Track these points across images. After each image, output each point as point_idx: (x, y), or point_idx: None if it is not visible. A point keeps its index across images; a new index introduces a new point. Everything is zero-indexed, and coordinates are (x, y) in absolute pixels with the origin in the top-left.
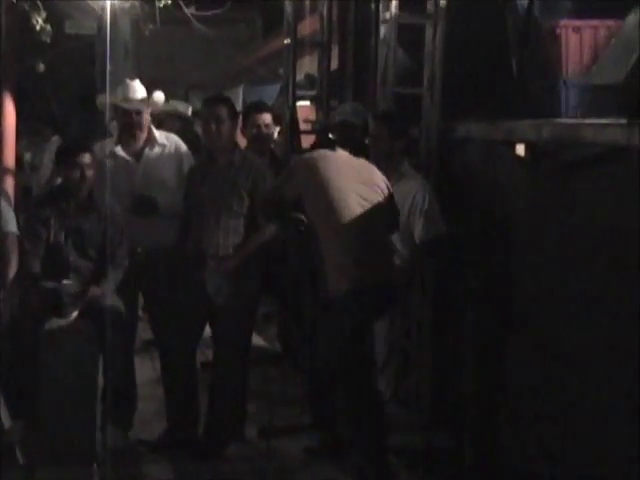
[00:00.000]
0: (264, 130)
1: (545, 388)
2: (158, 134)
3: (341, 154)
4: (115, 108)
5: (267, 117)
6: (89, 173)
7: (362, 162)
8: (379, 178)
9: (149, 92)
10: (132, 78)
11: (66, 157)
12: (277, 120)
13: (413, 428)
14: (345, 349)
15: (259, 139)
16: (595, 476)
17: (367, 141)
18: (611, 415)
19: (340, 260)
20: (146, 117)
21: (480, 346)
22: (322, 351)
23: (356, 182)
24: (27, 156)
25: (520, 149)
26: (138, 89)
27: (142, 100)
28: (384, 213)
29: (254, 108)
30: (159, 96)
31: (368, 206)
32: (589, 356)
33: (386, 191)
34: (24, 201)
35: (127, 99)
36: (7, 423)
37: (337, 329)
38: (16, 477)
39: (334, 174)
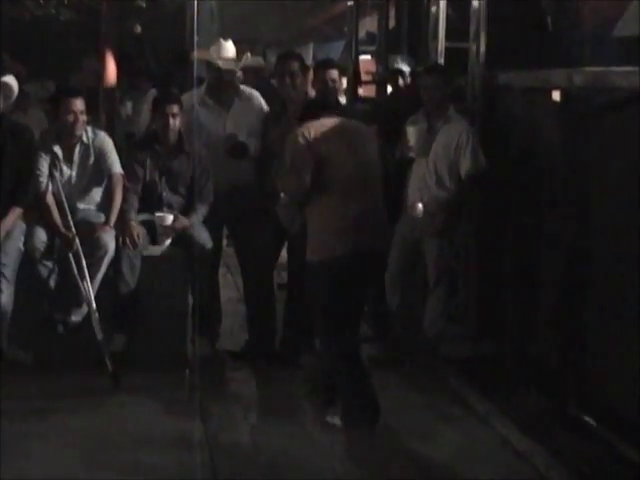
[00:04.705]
0: (331, 84)
1: (572, 298)
2: (243, 88)
3: (337, 120)
4: (208, 64)
5: (334, 73)
6: (177, 121)
7: (354, 124)
8: (371, 137)
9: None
10: (225, 39)
11: (159, 107)
12: (342, 73)
13: (461, 339)
14: (329, 315)
15: (326, 92)
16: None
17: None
18: None
19: (341, 224)
20: (235, 74)
21: (519, 267)
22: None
23: (357, 147)
24: (128, 106)
25: (556, 95)
26: (230, 49)
27: (234, 60)
28: (379, 174)
29: (323, 65)
30: (248, 57)
31: (368, 170)
32: (618, 267)
33: (377, 152)
34: (125, 146)
35: (221, 58)
36: (100, 336)
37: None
38: (106, 383)
39: (344, 140)
